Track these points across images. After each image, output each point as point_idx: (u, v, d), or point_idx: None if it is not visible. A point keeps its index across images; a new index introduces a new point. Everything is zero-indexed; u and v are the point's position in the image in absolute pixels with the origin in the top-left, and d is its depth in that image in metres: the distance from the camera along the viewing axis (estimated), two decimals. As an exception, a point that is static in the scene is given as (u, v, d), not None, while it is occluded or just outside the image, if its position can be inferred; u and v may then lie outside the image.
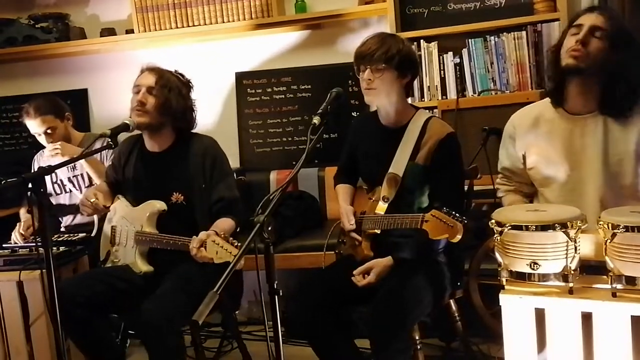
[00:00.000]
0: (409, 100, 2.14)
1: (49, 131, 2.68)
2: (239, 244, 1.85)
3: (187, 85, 2.26)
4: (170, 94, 2.16)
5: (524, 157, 1.94)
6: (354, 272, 2.02)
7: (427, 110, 2.19)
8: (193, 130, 2.30)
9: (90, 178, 2.76)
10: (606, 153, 1.79)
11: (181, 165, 2.20)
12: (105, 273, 2.20)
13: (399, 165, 2.03)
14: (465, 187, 2.21)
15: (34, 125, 2.68)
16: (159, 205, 2.16)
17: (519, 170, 1.97)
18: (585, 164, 1.81)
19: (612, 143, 1.79)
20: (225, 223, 2.11)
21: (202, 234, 1.92)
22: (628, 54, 1.74)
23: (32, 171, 2.79)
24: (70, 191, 2.81)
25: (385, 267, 1.99)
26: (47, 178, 2.76)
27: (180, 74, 2.27)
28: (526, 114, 1.95)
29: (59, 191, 2.81)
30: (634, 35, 1.78)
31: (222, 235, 1.87)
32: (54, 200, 2.82)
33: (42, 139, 2.71)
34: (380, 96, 2.00)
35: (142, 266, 2.16)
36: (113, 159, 2.39)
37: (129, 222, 2.23)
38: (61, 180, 2.81)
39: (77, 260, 2.42)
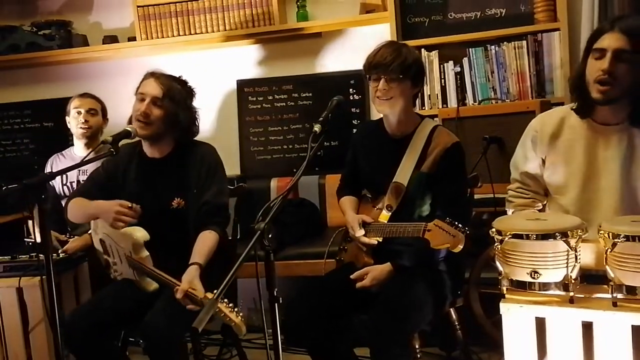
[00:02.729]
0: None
1: (91, 112, 2.86)
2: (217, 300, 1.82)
3: (191, 94, 2.24)
4: (177, 108, 2.14)
5: (543, 161, 1.89)
6: (351, 277, 2.02)
7: (433, 120, 2.19)
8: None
9: None
10: (628, 167, 1.75)
11: (181, 171, 2.20)
12: (108, 298, 2.15)
13: (403, 174, 2.03)
14: (468, 195, 2.21)
15: (82, 102, 2.86)
16: (140, 235, 2.08)
17: (538, 175, 1.90)
18: (605, 176, 1.78)
19: (635, 157, 1.75)
20: (206, 245, 2.06)
21: (185, 285, 1.91)
22: None
23: (45, 172, 2.85)
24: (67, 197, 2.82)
25: (382, 272, 1.99)
26: (58, 180, 2.84)
27: (185, 81, 2.25)
28: (549, 119, 1.89)
29: (67, 193, 2.82)
30: None
31: (202, 297, 1.85)
32: (63, 203, 2.83)
33: (78, 117, 2.83)
34: (392, 106, 1.99)
35: (149, 286, 2.11)
36: (109, 167, 2.31)
37: (114, 241, 2.18)
38: (71, 183, 2.84)
39: (77, 267, 2.42)
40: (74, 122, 2.85)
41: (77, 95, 2.92)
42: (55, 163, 2.93)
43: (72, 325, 1.98)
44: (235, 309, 1.74)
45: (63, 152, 2.97)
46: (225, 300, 1.72)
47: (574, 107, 1.82)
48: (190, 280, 1.93)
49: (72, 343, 1.98)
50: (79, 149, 2.90)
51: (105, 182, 2.29)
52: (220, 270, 2.15)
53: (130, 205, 2.07)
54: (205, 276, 2.04)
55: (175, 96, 2.14)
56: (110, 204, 2.11)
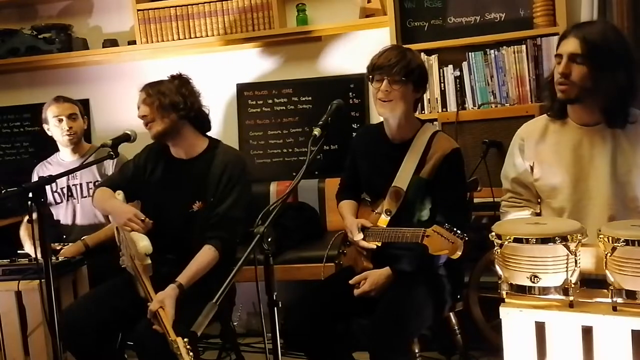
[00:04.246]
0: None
1: (73, 116, 2.78)
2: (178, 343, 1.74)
3: (179, 78, 2.23)
4: (163, 92, 2.15)
5: (531, 168, 1.92)
6: (350, 282, 2.02)
7: (433, 124, 2.19)
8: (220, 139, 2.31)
9: (88, 188, 2.79)
10: (615, 163, 1.79)
11: (204, 175, 2.18)
12: (106, 295, 2.15)
13: (403, 179, 2.03)
14: (467, 201, 2.21)
15: (60, 108, 2.77)
16: (143, 245, 2.03)
17: (529, 183, 1.94)
18: (593, 175, 1.81)
19: (620, 154, 1.79)
20: (198, 264, 2.05)
21: (154, 305, 1.90)
22: (614, 66, 1.73)
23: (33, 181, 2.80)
24: (69, 200, 2.82)
25: (381, 276, 1.98)
26: (47, 188, 2.78)
27: (174, 75, 2.24)
28: (534, 126, 1.94)
29: (59, 200, 2.83)
30: (619, 44, 1.77)
31: (164, 323, 1.84)
32: (53, 210, 2.83)
33: (60, 124, 2.75)
34: (393, 109, 1.99)
35: (142, 292, 2.09)
36: (139, 163, 2.32)
37: (125, 237, 2.19)
38: (61, 189, 2.82)
39: (76, 271, 2.41)
40: (57, 130, 2.77)
41: (52, 101, 2.80)
42: (42, 172, 2.86)
43: (71, 322, 1.97)
44: (191, 353, 1.67)
45: (48, 159, 2.91)
46: (186, 340, 1.68)
47: (547, 110, 1.90)
48: (161, 299, 1.92)
49: (71, 341, 1.97)
50: (65, 155, 2.85)
51: (133, 176, 2.31)
52: (219, 277, 2.16)
53: (143, 218, 2.10)
54: (204, 281, 2.04)
55: (157, 86, 2.17)
56: (125, 209, 2.16)
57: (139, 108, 2.20)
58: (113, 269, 2.30)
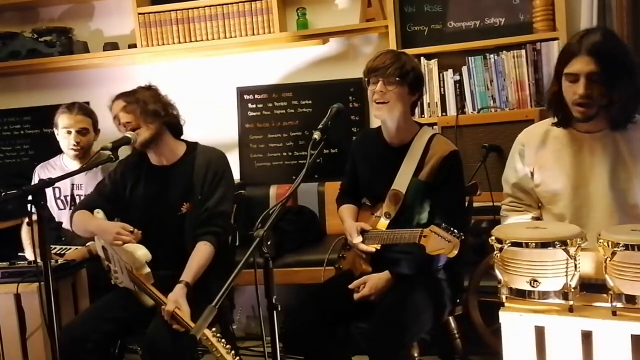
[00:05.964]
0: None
1: (83, 131, 2.71)
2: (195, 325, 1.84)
3: (149, 88, 2.27)
4: (143, 100, 2.19)
5: (532, 173, 1.92)
6: (349, 286, 2.02)
7: (432, 128, 2.20)
8: (201, 142, 2.33)
9: None
10: (614, 171, 1.79)
11: (188, 177, 2.22)
12: (108, 307, 2.15)
13: (402, 181, 2.03)
14: (465, 204, 2.21)
15: (72, 120, 2.69)
16: (141, 254, 2.05)
17: (529, 188, 1.94)
18: (594, 182, 1.81)
19: (620, 161, 1.79)
20: (198, 260, 2.08)
21: (170, 305, 1.94)
22: (625, 75, 1.72)
23: (33, 183, 2.78)
24: (72, 208, 2.79)
25: (381, 280, 1.99)
26: (50, 193, 2.76)
27: (141, 86, 2.29)
28: (534, 132, 1.94)
29: (62, 206, 2.79)
30: (623, 51, 1.76)
31: (185, 320, 1.89)
32: (55, 215, 2.81)
33: (68, 136, 2.69)
34: (390, 110, 2.00)
35: (148, 301, 2.10)
36: (115, 178, 2.33)
37: (116, 252, 2.17)
38: (65, 197, 2.80)
39: (75, 274, 2.41)
40: (64, 141, 2.71)
41: (65, 109, 2.72)
42: (44, 174, 2.80)
43: (73, 338, 1.98)
44: (233, 352, 1.72)
45: (50, 161, 2.86)
46: (214, 329, 1.72)
47: (554, 122, 1.87)
48: (175, 300, 1.95)
49: (73, 354, 1.97)
50: (70, 162, 2.79)
51: (111, 194, 2.31)
52: (218, 278, 2.16)
53: (132, 230, 2.11)
54: (203, 284, 2.04)
55: (135, 94, 2.21)
56: (111, 225, 2.16)
57: (116, 118, 2.21)
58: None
